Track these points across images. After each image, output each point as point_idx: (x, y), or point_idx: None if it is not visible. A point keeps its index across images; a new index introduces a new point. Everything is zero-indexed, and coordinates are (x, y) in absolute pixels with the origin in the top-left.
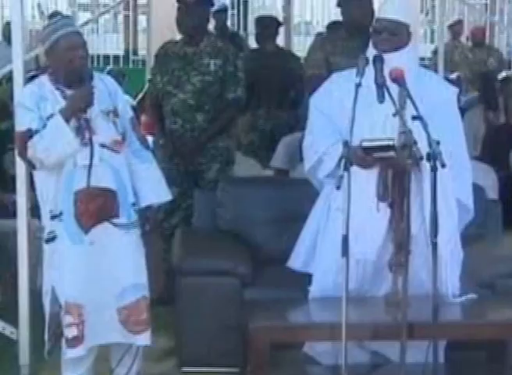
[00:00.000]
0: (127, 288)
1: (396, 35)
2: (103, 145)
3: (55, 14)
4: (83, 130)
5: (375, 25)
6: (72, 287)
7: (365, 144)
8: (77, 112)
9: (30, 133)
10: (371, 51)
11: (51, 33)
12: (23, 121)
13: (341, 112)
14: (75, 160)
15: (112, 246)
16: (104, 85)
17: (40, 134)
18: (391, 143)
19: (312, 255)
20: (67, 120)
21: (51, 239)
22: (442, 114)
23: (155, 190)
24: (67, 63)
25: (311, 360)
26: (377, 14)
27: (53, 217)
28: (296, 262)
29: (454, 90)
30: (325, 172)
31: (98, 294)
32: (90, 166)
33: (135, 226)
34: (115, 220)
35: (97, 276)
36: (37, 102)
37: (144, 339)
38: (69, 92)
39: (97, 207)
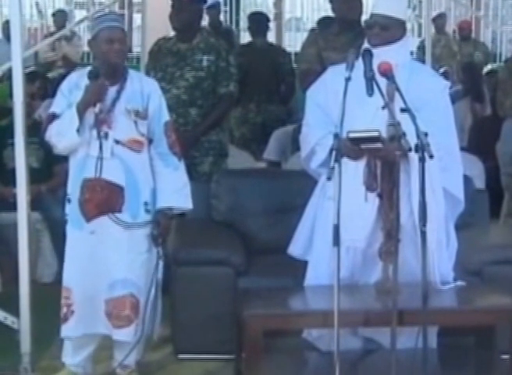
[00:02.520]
0: (116, 282)
1: (388, 30)
2: (117, 141)
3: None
4: (100, 124)
5: (368, 20)
6: (66, 271)
7: (351, 135)
8: (88, 106)
9: (52, 117)
10: (365, 46)
11: (96, 25)
12: (54, 104)
13: (336, 104)
14: (88, 150)
15: (110, 239)
16: (139, 85)
17: (58, 121)
18: (376, 134)
19: (310, 243)
20: (79, 113)
21: (66, 222)
22: (433, 107)
23: (174, 194)
24: (103, 55)
25: (309, 346)
26: (371, 9)
27: (68, 201)
28: (295, 249)
29: (446, 83)
30: (317, 162)
31: (90, 283)
32: (101, 158)
33: (140, 225)
34: (118, 215)
35: (92, 265)
36: (70, 89)
37: (124, 334)
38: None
39: (102, 198)
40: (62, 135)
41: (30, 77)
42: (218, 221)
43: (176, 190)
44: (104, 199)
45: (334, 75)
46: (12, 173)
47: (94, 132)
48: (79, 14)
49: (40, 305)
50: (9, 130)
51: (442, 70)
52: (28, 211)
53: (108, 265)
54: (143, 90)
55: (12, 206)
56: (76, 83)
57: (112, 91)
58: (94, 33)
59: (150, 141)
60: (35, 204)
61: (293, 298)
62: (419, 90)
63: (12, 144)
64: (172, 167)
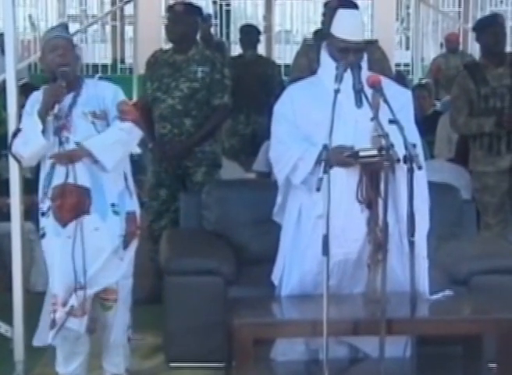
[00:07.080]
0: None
1: (361, 52)
2: (78, 144)
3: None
4: (60, 130)
5: (341, 45)
6: (51, 280)
7: (362, 153)
8: (48, 108)
9: (17, 132)
10: (330, 64)
11: (42, 41)
12: (21, 123)
13: (306, 118)
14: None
15: (83, 240)
16: (94, 90)
17: (21, 132)
18: (376, 151)
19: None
20: (41, 117)
21: (42, 236)
22: (405, 116)
23: (97, 141)
24: (49, 64)
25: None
26: (340, 34)
27: (42, 214)
28: (278, 277)
29: (409, 91)
30: (301, 177)
31: (68, 284)
32: (65, 163)
33: (109, 227)
34: (87, 217)
35: (71, 268)
36: (33, 105)
37: (73, 323)
38: None
39: (72, 203)
40: (27, 143)
41: (22, 90)
42: (208, 231)
43: (103, 139)
44: (75, 203)
45: (299, 91)
46: (6, 183)
47: (57, 139)
48: (72, 27)
49: (34, 314)
50: (3, 142)
51: (424, 81)
52: (21, 221)
53: (81, 263)
54: (97, 94)
55: (6, 216)
56: (38, 99)
57: (69, 97)
58: (41, 48)
59: None
60: (28, 214)
61: (283, 307)
62: (391, 101)
63: (6, 155)
64: (112, 125)
